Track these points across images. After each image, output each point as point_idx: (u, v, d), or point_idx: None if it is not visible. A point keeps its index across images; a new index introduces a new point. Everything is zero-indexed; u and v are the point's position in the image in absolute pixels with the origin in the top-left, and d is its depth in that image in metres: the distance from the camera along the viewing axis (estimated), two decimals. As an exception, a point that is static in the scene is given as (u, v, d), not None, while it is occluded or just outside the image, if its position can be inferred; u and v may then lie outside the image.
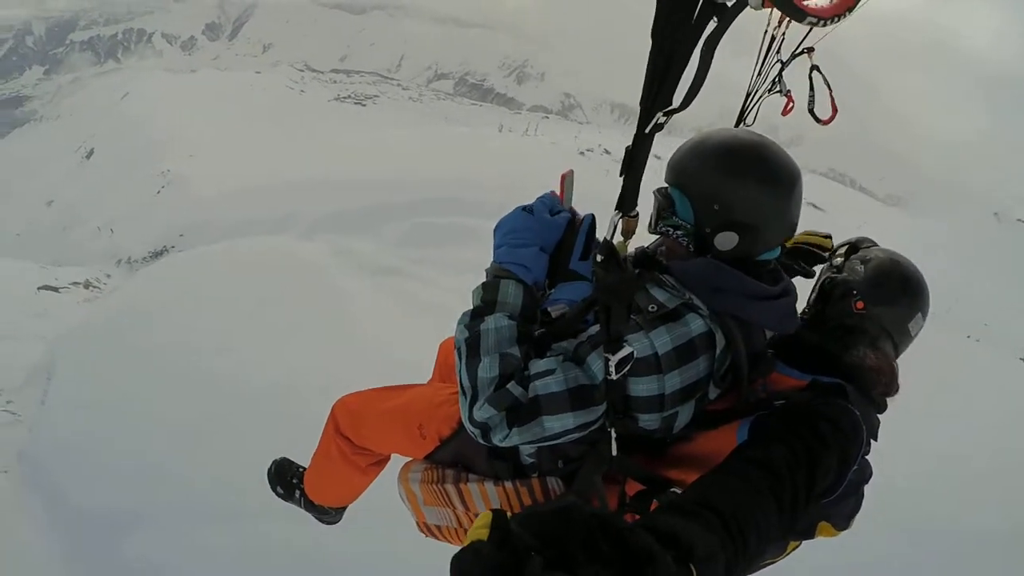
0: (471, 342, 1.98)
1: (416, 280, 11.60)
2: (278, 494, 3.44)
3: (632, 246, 2.11)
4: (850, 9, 1.99)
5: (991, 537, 7.40)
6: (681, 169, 2.07)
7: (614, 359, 1.83)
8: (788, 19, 2.44)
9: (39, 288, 15.55)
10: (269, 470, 3.48)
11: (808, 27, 2.25)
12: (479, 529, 1.10)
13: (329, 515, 3.41)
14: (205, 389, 8.65)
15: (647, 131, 1.70)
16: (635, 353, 1.86)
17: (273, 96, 53.05)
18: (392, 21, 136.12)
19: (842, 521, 2.16)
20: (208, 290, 11.33)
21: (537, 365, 1.94)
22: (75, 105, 49.51)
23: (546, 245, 2.13)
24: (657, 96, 1.67)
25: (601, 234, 2.09)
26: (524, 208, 2.17)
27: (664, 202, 2.12)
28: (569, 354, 1.99)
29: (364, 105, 59.77)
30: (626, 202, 1.88)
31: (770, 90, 2.68)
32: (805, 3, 1.95)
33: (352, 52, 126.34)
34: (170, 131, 33.63)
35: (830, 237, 2.59)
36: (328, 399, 3.02)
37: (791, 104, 2.71)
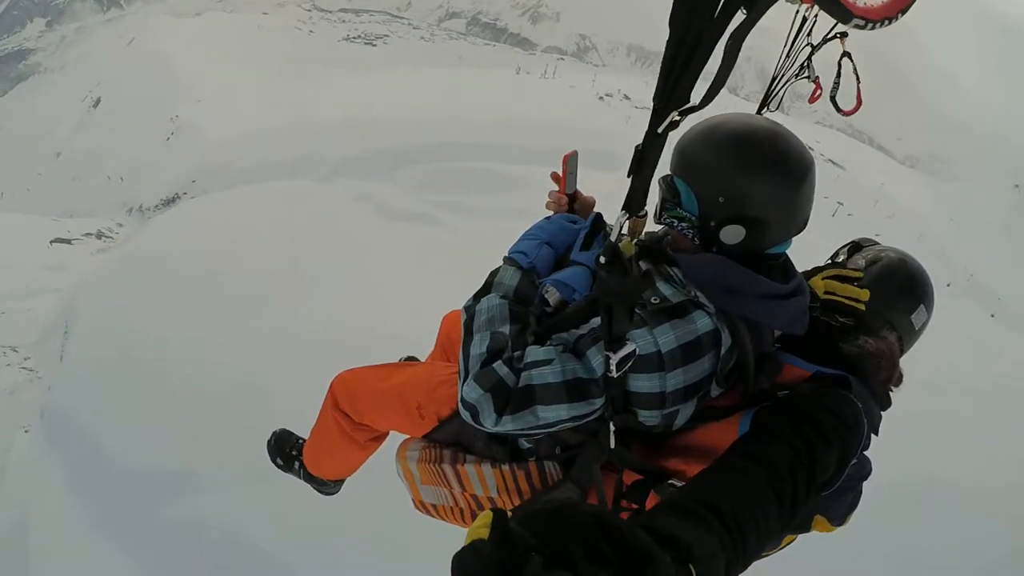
0: (468, 323, 2.04)
1: (440, 226, 11.10)
2: (277, 465, 3.51)
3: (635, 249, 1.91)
4: (903, 11, 1.97)
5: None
6: (687, 159, 2.04)
7: (615, 357, 1.78)
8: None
9: (52, 241, 15.23)
10: (269, 441, 3.54)
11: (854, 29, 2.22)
12: (479, 528, 1.10)
13: (327, 487, 3.48)
14: (222, 341, 8.34)
15: (660, 131, 1.52)
16: (638, 350, 1.83)
17: (281, 38, 51.95)
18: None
19: (838, 517, 2.14)
20: (223, 237, 10.94)
21: (535, 353, 1.95)
22: (80, 55, 48.70)
23: (553, 242, 2.23)
24: (673, 92, 1.45)
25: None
26: (547, 218, 2.31)
27: (668, 192, 2.09)
28: (569, 345, 1.99)
29: (375, 45, 58.47)
30: (634, 202, 1.72)
31: (798, 75, 2.65)
32: (853, 1, 1.86)
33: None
34: (178, 76, 32.87)
35: (860, 279, 2.36)
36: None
37: (819, 91, 2.72)
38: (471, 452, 2.48)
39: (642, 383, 1.92)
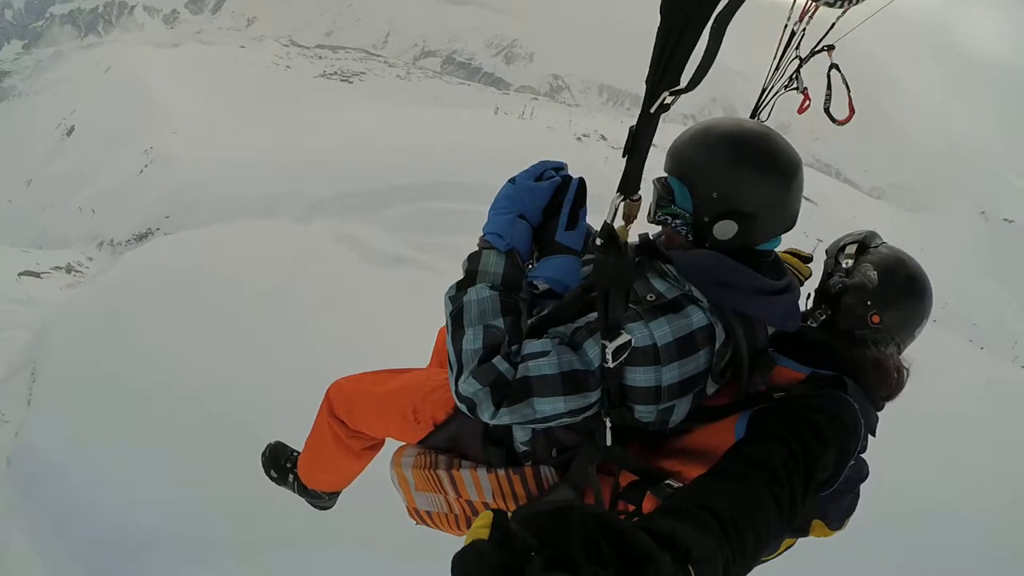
0: (455, 315, 1.97)
1: (425, 269, 10.96)
2: (272, 478, 3.40)
3: (633, 232, 1.97)
4: None
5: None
6: (681, 158, 2.06)
7: (611, 346, 1.79)
8: (808, 15, 2.60)
9: (20, 274, 14.88)
10: (263, 453, 3.44)
11: (839, 10, 2.36)
12: (479, 529, 1.09)
13: (322, 500, 3.37)
14: (199, 386, 8.11)
15: (652, 111, 1.58)
16: (634, 342, 1.83)
17: (258, 72, 52.27)
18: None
19: (836, 521, 2.15)
20: (198, 278, 10.68)
21: (531, 346, 1.93)
22: (55, 80, 48.37)
23: (527, 211, 2.11)
24: (664, 75, 1.53)
25: (600, 219, 1.94)
26: (509, 180, 2.15)
27: (663, 191, 2.10)
28: (565, 338, 1.98)
29: (351, 82, 59.01)
30: (629, 184, 1.75)
31: (787, 86, 2.67)
32: None
33: (338, 27, 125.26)
34: (154, 107, 32.80)
35: (811, 259, 2.56)
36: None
37: (807, 102, 2.71)
38: (467, 457, 2.44)
39: (638, 376, 1.91)
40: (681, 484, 2.04)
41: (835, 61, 2.71)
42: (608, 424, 1.99)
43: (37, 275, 15.21)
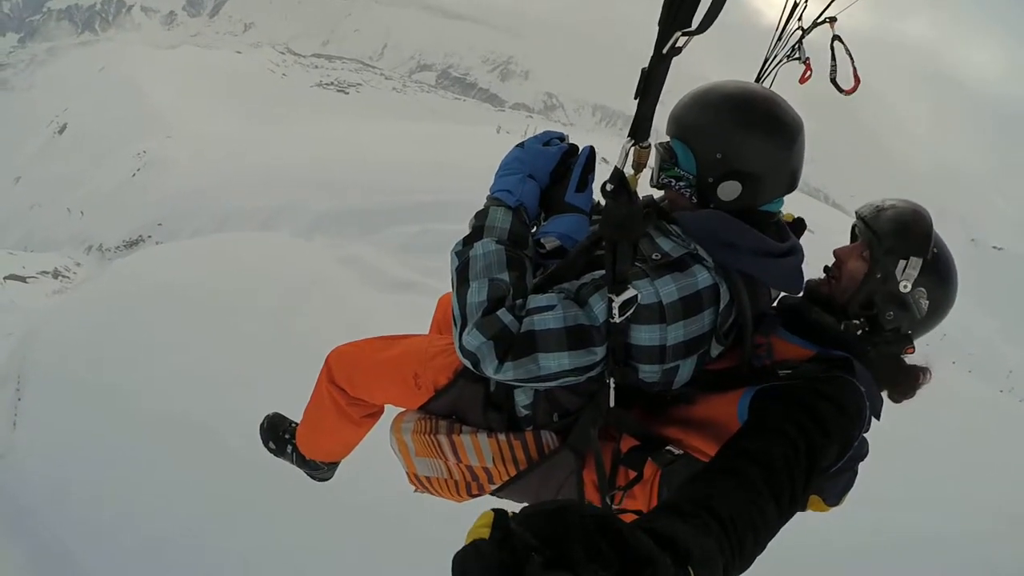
0: (461, 269, 1.95)
1: (432, 296, 10.53)
2: (270, 449, 3.34)
3: (641, 182, 1.93)
4: None
5: None
6: (683, 120, 2.05)
7: (617, 300, 1.76)
8: None
9: (5, 277, 14.42)
10: (261, 425, 3.38)
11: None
12: (480, 528, 1.06)
13: (321, 471, 3.32)
14: (196, 411, 7.66)
15: (664, 52, 1.50)
16: (640, 298, 1.82)
17: (254, 79, 52.10)
18: (378, 8, 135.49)
19: (833, 497, 2.10)
20: (195, 290, 10.19)
21: (536, 300, 1.89)
22: (49, 76, 48.01)
23: (536, 172, 2.14)
24: (676, 16, 1.44)
25: (602, 171, 1.96)
26: (517, 144, 2.20)
27: (666, 154, 2.08)
28: (571, 294, 1.93)
29: (347, 93, 58.95)
30: (640, 129, 1.67)
31: (789, 56, 2.70)
32: None
33: (335, 37, 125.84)
34: (148, 110, 32.46)
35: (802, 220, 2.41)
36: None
37: (809, 72, 2.74)
38: (467, 423, 2.40)
39: (643, 335, 1.90)
40: (682, 451, 2.06)
41: (837, 32, 2.71)
42: (612, 385, 1.97)
43: (23, 279, 14.76)
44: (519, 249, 2.01)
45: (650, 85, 1.58)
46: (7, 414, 8.46)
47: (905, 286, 2.12)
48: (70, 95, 40.31)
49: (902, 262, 2.13)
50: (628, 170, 1.77)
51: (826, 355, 2.04)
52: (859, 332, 2.15)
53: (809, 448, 1.72)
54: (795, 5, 2.69)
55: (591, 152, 2.18)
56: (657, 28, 1.48)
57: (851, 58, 2.68)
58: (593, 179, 2.16)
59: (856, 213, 2.28)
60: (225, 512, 6.61)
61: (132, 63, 43.66)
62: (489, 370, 1.88)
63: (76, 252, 19.40)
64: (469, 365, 1.92)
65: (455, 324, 1.94)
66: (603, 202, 1.78)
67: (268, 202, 16.84)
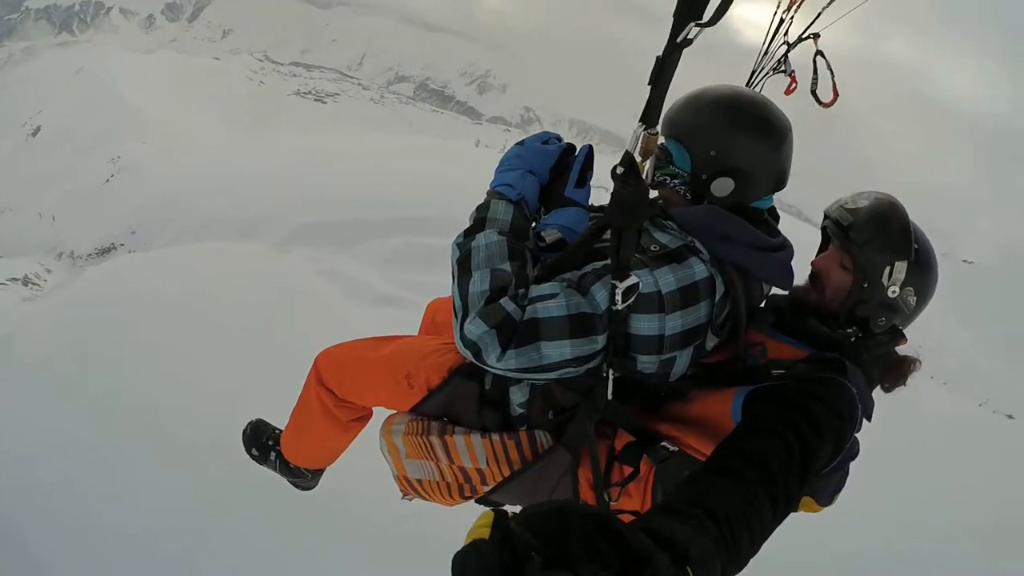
0: (462, 260, 2.00)
1: (415, 311, 10.38)
2: (253, 456, 3.28)
3: (647, 168, 1.88)
4: None
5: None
6: (678, 120, 2.15)
7: (621, 286, 1.80)
8: (796, 4, 2.79)
9: (-27, 285, 14.05)
10: (244, 431, 3.31)
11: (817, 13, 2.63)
12: (480, 528, 1.08)
13: (305, 479, 3.27)
14: (173, 432, 7.48)
15: (678, 41, 1.56)
16: (640, 286, 1.85)
17: (232, 86, 51.65)
18: (357, 18, 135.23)
19: (825, 497, 2.12)
20: (168, 304, 9.99)
21: (539, 289, 1.94)
22: (25, 76, 47.15)
23: (536, 169, 2.20)
24: (690, 8, 1.52)
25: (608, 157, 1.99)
26: (517, 143, 2.26)
27: (661, 154, 2.15)
28: (573, 283, 1.98)
29: (325, 103, 58.65)
30: (651, 115, 1.71)
31: (775, 69, 2.79)
32: None
33: (313, 46, 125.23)
34: (124, 114, 31.97)
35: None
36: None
37: (794, 84, 2.84)
38: (460, 423, 2.41)
39: (642, 324, 1.94)
40: (676, 448, 2.08)
41: (820, 48, 2.83)
42: (610, 376, 2.00)
43: (-9, 286, 14.39)
44: (520, 241, 2.05)
45: (663, 73, 1.62)
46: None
47: (894, 291, 2.14)
48: (46, 96, 39.61)
49: (887, 268, 2.12)
50: (636, 156, 1.78)
51: (819, 356, 2.06)
52: (852, 339, 2.16)
53: (803, 449, 1.74)
54: (781, 21, 2.82)
55: (590, 150, 2.28)
56: (672, 19, 1.54)
57: (831, 73, 2.81)
58: (591, 176, 2.26)
59: (825, 213, 2.28)
60: (207, 520, 6.51)
61: (109, 66, 43.04)
62: (492, 359, 1.89)
63: (47, 259, 19.02)
64: (470, 355, 1.93)
65: (455, 315, 1.96)
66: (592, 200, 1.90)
67: (245, 212, 16.59)
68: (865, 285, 2.14)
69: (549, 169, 2.24)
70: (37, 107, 38.31)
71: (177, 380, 8.28)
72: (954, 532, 7.99)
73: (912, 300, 2.17)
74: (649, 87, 1.67)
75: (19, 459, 7.50)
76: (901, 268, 2.12)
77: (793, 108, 2.62)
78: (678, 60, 1.63)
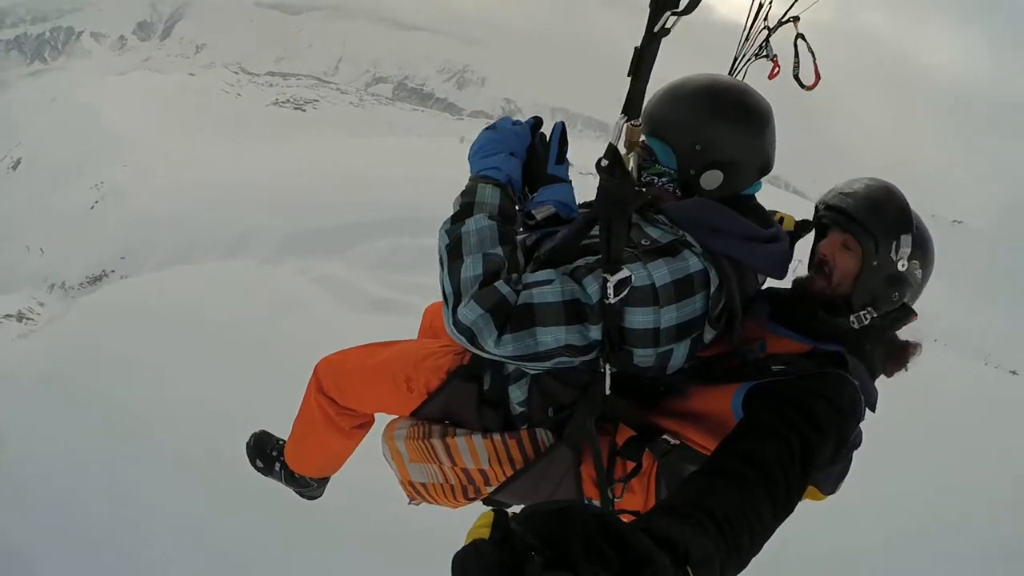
0: (452, 246, 1.98)
1: (411, 315, 10.33)
2: (257, 468, 3.29)
3: (631, 160, 1.96)
4: None
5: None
6: (658, 117, 2.11)
7: (612, 280, 1.81)
8: None
9: (-33, 326, 13.93)
10: (248, 443, 3.30)
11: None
12: (480, 528, 1.10)
13: (311, 487, 3.28)
14: (178, 458, 7.45)
15: (655, 31, 1.60)
16: (633, 279, 1.84)
17: (209, 100, 51.27)
18: (329, 22, 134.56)
19: (829, 486, 2.12)
20: (163, 329, 9.95)
21: (534, 275, 1.95)
22: (1, 109, 46.73)
23: (515, 150, 2.20)
24: None
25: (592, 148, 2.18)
26: (488, 128, 2.25)
27: (644, 153, 2.14)
28: (566, 274, 1.97)
29: (304, 110, 58.28)
30: (633, 106, 1.74)
31: (757, 54, 2.79)
32: None
33: (288, 54, 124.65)
34: (103, 139, 31.71)
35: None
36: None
37: (777, 68, 2.82)
38: (461, 425, 2.41)
39: (637, 318, 1.93)
40: (678, 442, 2.07)
41: (800, 31, 2.81)
42: (608, 371, 1.99)
43: (-13, 327, 14.27)
44: (508, 225, 2.06)
45: (642, 63, 1.64)
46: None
47: (903, 265, 2.15)
48: (23, 128, 39.28)
49: (894, 243, 2.13)
50: (620, 148, 1.78)
51: (820, 351, 2.06)
52: (867, 321, 2.15)
53: (804, 447, 1.74)
54: (760, 6, 2.80)
55: (563, 127, 2.31)
56: (649, 9, 1.55)
57: (813, 56, 2.78)
58: (566, 151, 2.30)
59: (822, 204, 2.26)
60: (213, 533, 6.50)
61: (84, 91, 42.73)
62: (488, 343, 1.88)
63: (38, 292, 18.87)
64: (464, 341, 1.92)
65: (446, 302, 1.95)
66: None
67: (232, 228, 16.48)
68: (875, 263, 2.15)
69: (526, 149, 2.25)
70: (15, 140, 38.00)
71: (178, 400, 8.25)
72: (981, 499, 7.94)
73: (918, 272, 2.19)
74: (629, 78, 1.68)
75: (26, 486, 7.49)
76: (907, 241, 2.14)
77: (771, 85, 2.71)
78: (657, 50, 1.64)
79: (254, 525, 6.57)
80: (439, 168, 18.25)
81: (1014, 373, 14.13)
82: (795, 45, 2.78)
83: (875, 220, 2.15)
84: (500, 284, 1.90)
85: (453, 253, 1.98)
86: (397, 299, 11.08)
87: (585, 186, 2.24)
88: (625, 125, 1.77)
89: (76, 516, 7.16)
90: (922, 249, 2.18)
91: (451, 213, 2.06)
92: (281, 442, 3.28)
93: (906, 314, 2.23)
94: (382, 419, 2.73)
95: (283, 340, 9.21)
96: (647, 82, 1.71)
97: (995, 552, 7.10)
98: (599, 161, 1.77)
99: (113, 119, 35.98)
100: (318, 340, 9.02)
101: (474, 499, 2.48)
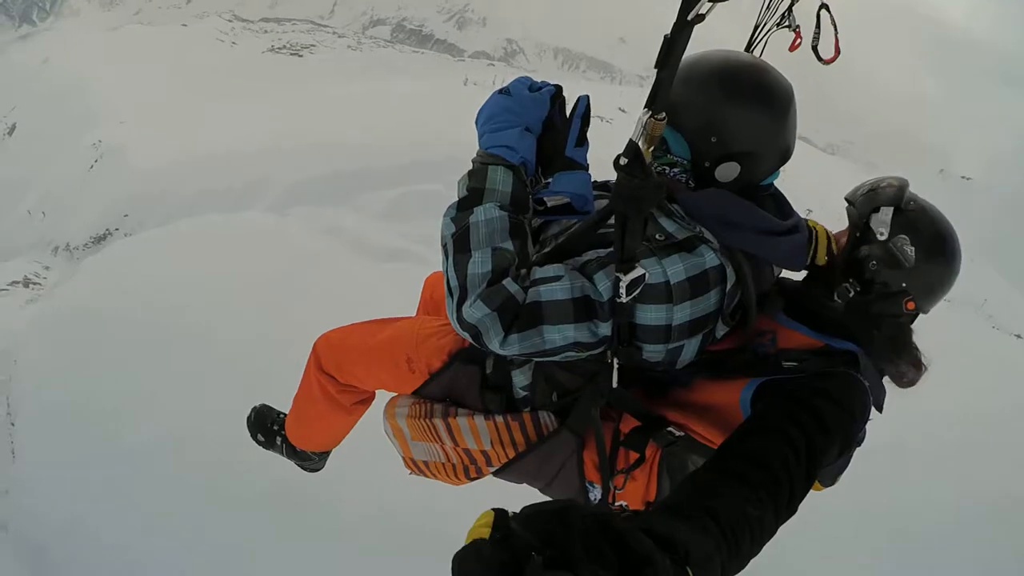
0: (459, 236, 1.90)
1: (426, 265, 10.01)
2: (258, 442, 3.33)
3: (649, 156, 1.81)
4: None
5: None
6: (671, 104, 1.86)
7: (625, 279, 1.76)
8: None
9: (-26, 296, 13.67)
10: (248, 417, 3.36)
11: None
12: (480, 528, 1.11)
13: (312, 461, 3.30)
14: (198, 418, 7.15)
15: (689, 18, 1.45)
16: (647, 276, 1.79)
17: (204, 51, 50.42)
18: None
19: (828, 479, 2.14)
20: (171, 286, 9.61)
21: (543, 271, 1.91)
22: (-8, 76, 46.18)
23: (531, 124, 2.03)
24: None
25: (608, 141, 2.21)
26: (501, 91, 2.08)
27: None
28: (576, 268, 1.94)
29: (301, 56, 57.16)
30: (659, 99, 1.59)
31: (779, 24, 2.70)
32: None
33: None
34: (98, 97, 31.29)
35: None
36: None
37: (799, 40, 2.74)
38: (463, 406, 2.41)
39: (649, 315, 1.89)
40: (683, 433, 2.07)
41: (825, 1, 2.68)
42: (615, 364, 1.96)
43: (-6, 294, 14.02)
44: (520, 213, 1.95)
45: (671, 54, 1.53)
46: (3, 443, 7.90)
47: (882, 233, 2.19)
48: (16, 94, 38.82)
49: (874, 215, 2.22)
50: (641, 144, 1.69)
51: (832, 349, 2.06)
52: (851, 294, 2.20)
53: (809, 449, 1.75)
54: None
55: (587, 102, 2.08)
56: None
57: (835, 28, 2.67)
58: (587, 130, 2.11)
59: (845, 199, 2.38)
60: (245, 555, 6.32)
61: (76, 51, 42.15)
62: (494, 343, 1.85)
63: (43, 256, 18.60)
64: (469, 338, 1.89)
65: (450, 295, 1.89)
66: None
67: (235, 180, 16.16)
68: (857, 233, 2.25)
69: (542, 122, 2.06)
70: (9, 105, 37.54)
71: (187, 368, 7.94)
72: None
73: (910, 251, 2.17)
74: (656, 70, 1.56)
75: (49, 483, 7.25)
76: (887, 212, 2.20)
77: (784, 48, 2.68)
78: (688, 38, 1.53)
79: (257, 514, 6.42)
80: (443, 111, 17.81)
81: (1018, 336, 14.04)
82: (818, 15, 2.64)
83: (864, 195, 2.30)
84: (508, 282, 1.85)
85: (459, 244, 1.89)
86: (408, 248, 10.84)
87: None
88: (648, 120, 1.65)
89: (90, 485, 6.94)
90: (918, 228, 2.18)
91: (457, 197, 1.96)
92: (282, 416, 3.32)
93: (894, 297, 2.19)
94: (383, 394, 2.73)
95: (295, 290, 8.93)
96: (675, 73, 1.59)
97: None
98: (618, 158, 1.68)
99: (107, 77, 35.45)
100: (331, 292, 8.75)
101: (476, 478, 2.47)
